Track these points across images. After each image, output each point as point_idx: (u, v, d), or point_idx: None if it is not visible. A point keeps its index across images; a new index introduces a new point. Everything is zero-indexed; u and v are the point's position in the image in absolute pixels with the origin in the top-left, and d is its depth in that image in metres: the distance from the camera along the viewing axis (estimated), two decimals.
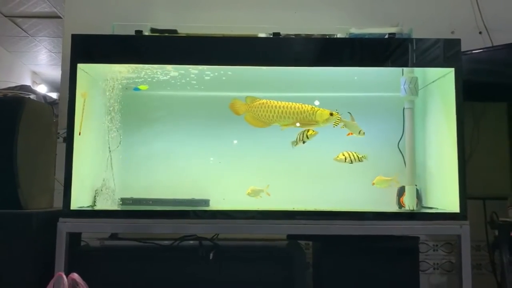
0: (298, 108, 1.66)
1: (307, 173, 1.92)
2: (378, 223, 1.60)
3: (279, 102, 1.70)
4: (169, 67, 1.76)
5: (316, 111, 1.66)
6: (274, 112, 1.68)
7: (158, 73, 1.82)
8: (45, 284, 1.31)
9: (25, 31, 4.97)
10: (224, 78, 1.83)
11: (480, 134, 1.98)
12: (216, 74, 1.82)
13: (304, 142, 1.73)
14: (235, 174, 1.95)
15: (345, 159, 1.75)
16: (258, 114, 1.69)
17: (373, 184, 1.78)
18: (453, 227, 1.58)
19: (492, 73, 2.06)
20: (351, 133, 1.74)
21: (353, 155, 1.74)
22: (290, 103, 1.69)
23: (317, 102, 1.88)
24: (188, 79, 1.86)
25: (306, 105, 1.68)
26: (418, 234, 1.76)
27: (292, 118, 1.67)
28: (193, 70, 1.79)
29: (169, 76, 1.84)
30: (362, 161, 1.76)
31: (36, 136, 1.74)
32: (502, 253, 1.66)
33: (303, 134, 1.73)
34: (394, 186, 1.80)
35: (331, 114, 1.68)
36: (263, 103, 1.69)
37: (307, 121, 1.66)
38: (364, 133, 1.74)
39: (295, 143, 1.74)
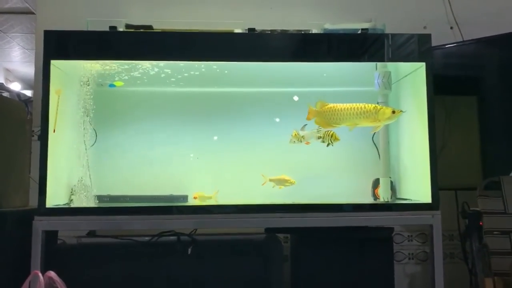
0: (362, 108, 1.69)
1: (285, 167, 1.94)
2: (353, 214, 1.63)
3: (344, 104, 1.72)
4: (144, 63, 1.76)
5: (379, 110, 1.68)
6: (341, 115, 1.70)
7: (133, 69, 1.82)
8: (21, 283, 1.30)
9: None
10: (197, 73, 1.83)
11: (452, 127, 2.04)
12: (192, 69, 1.82)
13: (328, 145, 1.79)
14: (213, 170, 1.96)
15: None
16: (328, 118, 1.72)
17: (195, 198, 1.81)
18: (425, 217, 1.62)
19: (462, 67, 2.12)
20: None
21: (297, 135, 1.81)
22: (354, 104, 1.71)
23: (296, 98, 1.90)
24: (162, 73, 1.86)
25: (369, 104, 1.70)
26: (392, 225, 1.80)
27: (357, 118, 1.70)
28: (171, 65, 1.79)
29: (143, 72, 1.84)
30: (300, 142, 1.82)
31: (9, 134, 1.71)
32: (472, 241, 1.72)
33: (328, 135, 1.78)
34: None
35: (393, 112, 1.69)
36: (330, 107, 1.72)
37: (371, 119, 1.69)
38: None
39: (322, 139, 1.79)
